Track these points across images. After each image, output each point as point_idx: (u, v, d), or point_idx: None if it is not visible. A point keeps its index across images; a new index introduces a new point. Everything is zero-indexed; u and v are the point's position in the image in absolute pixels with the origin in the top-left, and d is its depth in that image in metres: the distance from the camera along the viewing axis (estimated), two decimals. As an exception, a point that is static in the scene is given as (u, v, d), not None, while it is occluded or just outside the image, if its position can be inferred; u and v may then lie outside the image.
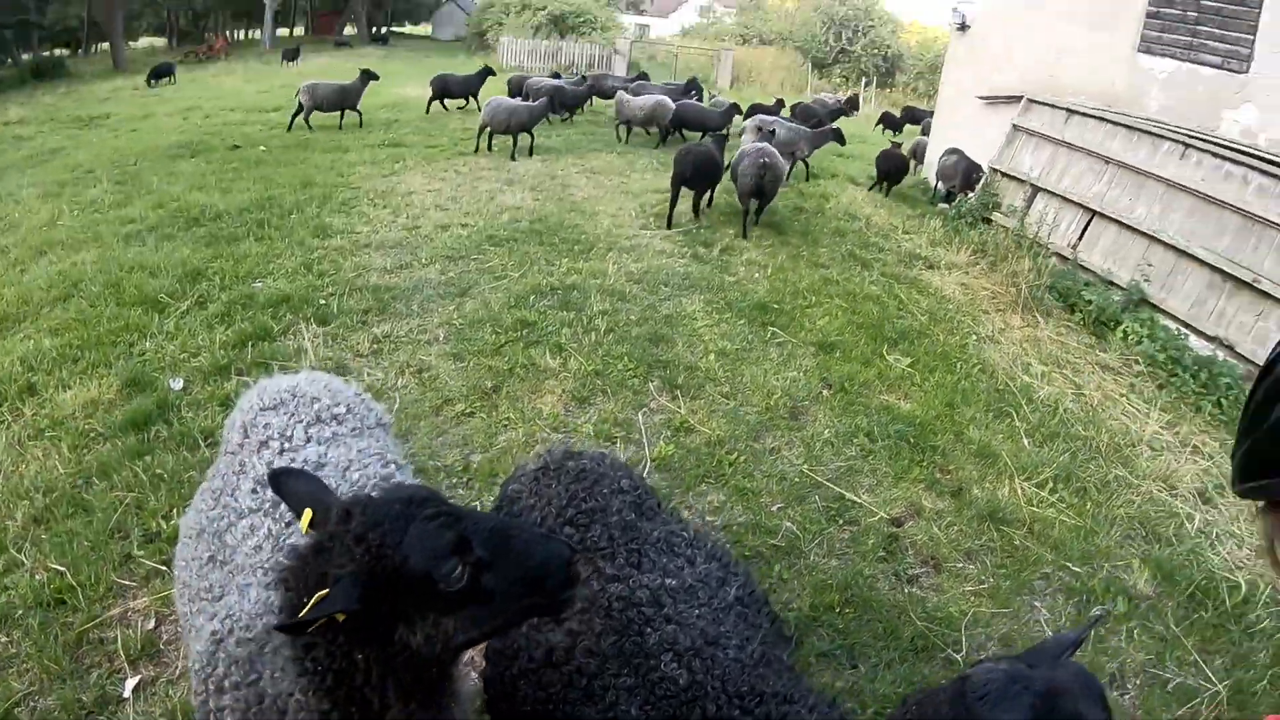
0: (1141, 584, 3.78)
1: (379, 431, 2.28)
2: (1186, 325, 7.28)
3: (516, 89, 15.37)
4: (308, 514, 1.39)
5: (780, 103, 16.53)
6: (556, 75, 18.79)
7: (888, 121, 20.75)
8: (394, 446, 2.30)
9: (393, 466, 2.11)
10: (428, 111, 15.29)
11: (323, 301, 5.71)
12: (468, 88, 15.67)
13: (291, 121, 13.18)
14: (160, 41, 45.53)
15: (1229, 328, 7.05)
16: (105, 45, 34.92)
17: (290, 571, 1.33)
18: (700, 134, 12.55)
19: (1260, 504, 0.82)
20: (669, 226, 8.27)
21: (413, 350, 5.13)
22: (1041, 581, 3.74)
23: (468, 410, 4.49)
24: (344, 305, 5.68)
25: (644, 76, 19.83)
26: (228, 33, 47.21)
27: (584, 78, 17.75)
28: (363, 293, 5.94)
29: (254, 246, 6.73)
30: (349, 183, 9.23)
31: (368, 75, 13.96)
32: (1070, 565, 3.83)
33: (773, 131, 10.72)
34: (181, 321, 5.34)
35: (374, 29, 50.69)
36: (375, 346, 5.16)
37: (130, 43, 38.34)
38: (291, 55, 28.64)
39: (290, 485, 1.46)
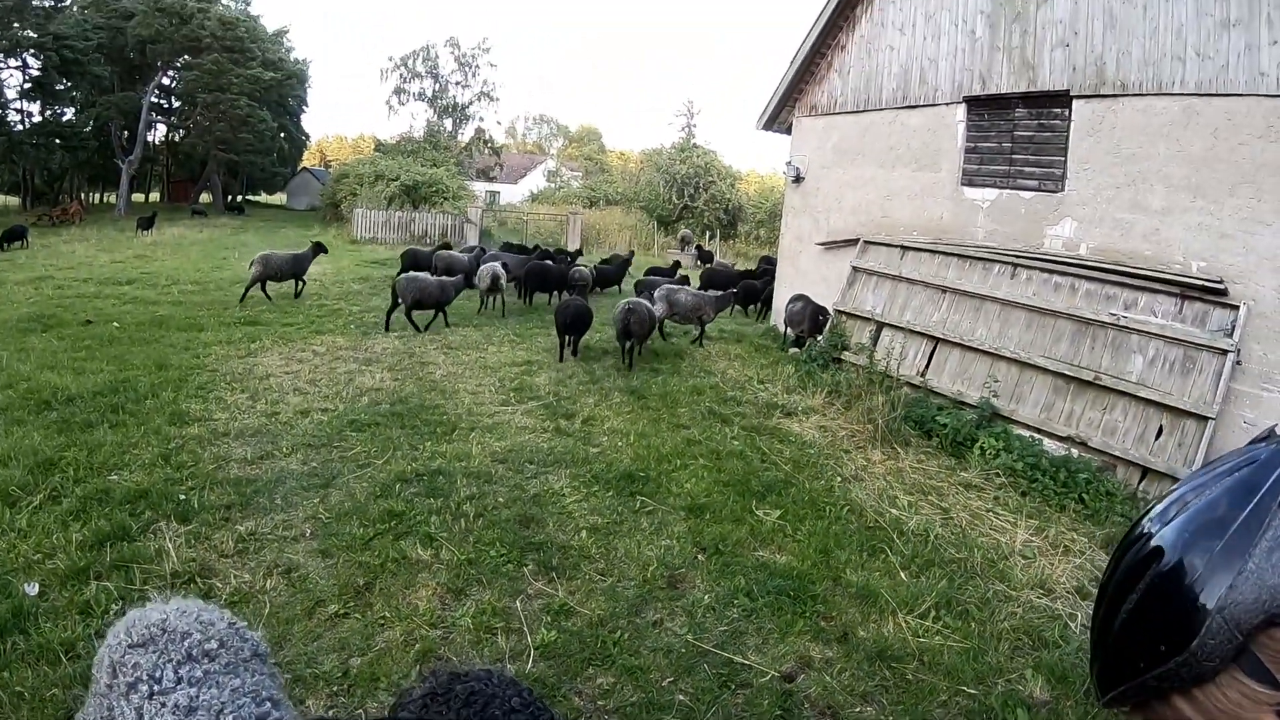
0: (1038, 691, 4.09)
1: (255, 664, 2.31)
2: (1039, 431, 8.08)
3: (428, 263, 16.62)
4: None
5: (677, 264, 18.82)
6: (514, 247, 20.91)
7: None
8: (270, 680, 2.35)
9: (269, 705, 2.16)
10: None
11: (183, 496, 5.64)
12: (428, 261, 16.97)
13: (245, 293, 13.80)
14: (14, 200, 45.22)
15: (1079, 425, 7.88)
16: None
17: None
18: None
19: (1126, 709, 0.83)
20: (560, 359, 10.67)
21: (279, 548, 5.10)
22: (940, 710, 3.96)
23: (341, 611, 4.46)
24: (205, 500, 5.62)
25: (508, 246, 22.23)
26: (83, 195, 47.26)
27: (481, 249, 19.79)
28: (224, 486, 5.90)
29: (109, 434, 6.66)
30: (205, 364, 9.34)
31: (318, 247, 15.37)
32: (966, 688, 4.09)
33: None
34: (34, 518, 5.17)
35: (229, 197, 52.15)
36: (240, 546, 5.09)
37: (-18, 201, 37.59)
38: (146, 224, 29.43)
39: None
